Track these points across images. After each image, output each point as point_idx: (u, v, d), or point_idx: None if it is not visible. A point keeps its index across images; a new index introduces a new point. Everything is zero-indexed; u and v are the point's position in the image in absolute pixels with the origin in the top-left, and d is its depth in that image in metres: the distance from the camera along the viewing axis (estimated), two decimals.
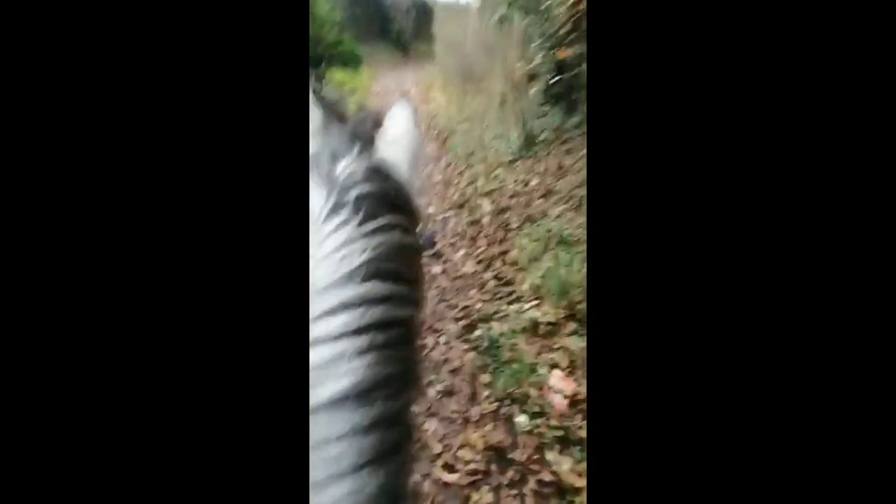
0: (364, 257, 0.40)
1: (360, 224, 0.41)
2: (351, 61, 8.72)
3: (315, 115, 0.51)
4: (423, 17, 12.49)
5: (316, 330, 0.38)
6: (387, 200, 0.44)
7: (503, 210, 4.02)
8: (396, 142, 0.52)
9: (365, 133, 0.51)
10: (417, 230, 0.49)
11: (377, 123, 0.53)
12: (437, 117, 6.78)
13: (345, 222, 0.40)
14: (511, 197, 4.24)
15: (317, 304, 0.38)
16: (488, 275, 3.10)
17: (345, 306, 0.38)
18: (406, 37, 13.20)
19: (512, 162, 5.05)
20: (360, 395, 0.37)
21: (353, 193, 0.42)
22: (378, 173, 0.45)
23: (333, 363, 0.37)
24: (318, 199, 0.42)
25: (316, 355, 0.37)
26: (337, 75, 7.54)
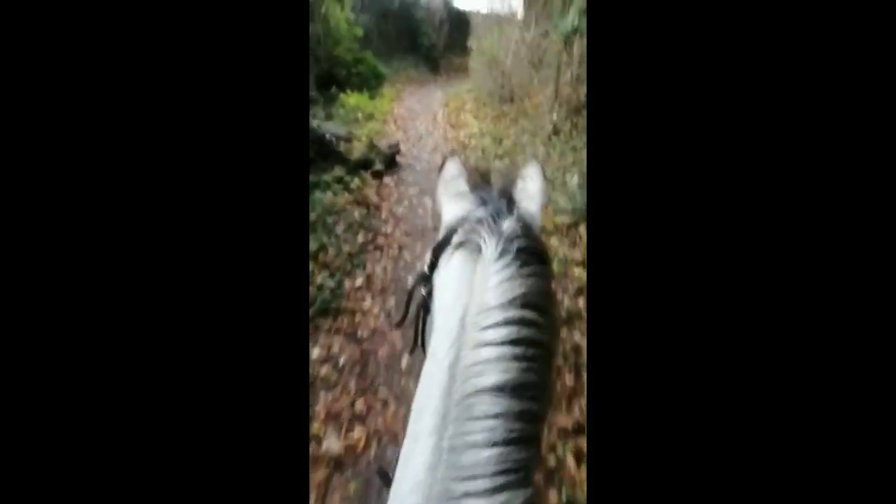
0: (521, 290, 0.55)
1: (520, 267, 0.57)
2: (372, 81, 7.83)
3: (460, 183, 0.77)
4: (458, 28, 11.30)
5: (485, 335, 0.53)
6: (535, 252, 0.61)
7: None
8: (532, 198, 0.73)
9: (508, 191, 0.73)
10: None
11: (513, 181, 0.76)
12: (468, 150, 5.35)
13: (508, 265, 0.57)
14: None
15: (488, 318, 0.54)
16: None
17: (507, 322, 0.53)
18: (437, 52, 11.99)
19: (572, 227, 3.36)
20: (513, 388, 0.50)
21: (515, 245, 0.59)
22: (529, 231, 0.63)
23: (496, 361, 0.51)
24: (490, 247, 0.59)
25: (484, 353, 0.52)
26: (351, 99, 6.57)
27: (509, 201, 0.69)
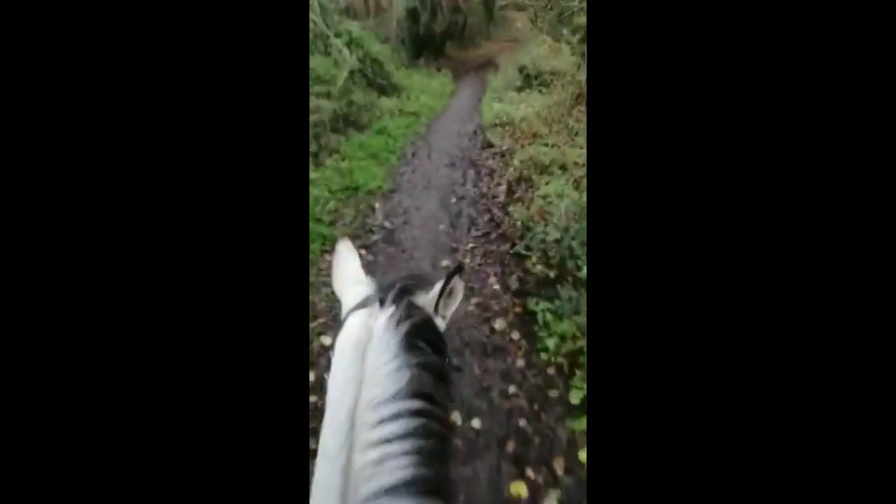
0: (409, 381, 0.56)
1: (407, 354, 0.58)
2: (364, 118, 6.96)
3: (355, 266, 0.77)
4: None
5: (374, 434, 0.53)
6: (425, 336, 0.62)
7: None
8: (444, 300, 0.73)
9: (411, 283, 0.71)
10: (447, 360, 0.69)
11: (428, 284, 0.74)
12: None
13: (396, 355, 0.58)
14: None
15: (376, 413, 0.54)
16: None
17: (395, 416, 0.54)
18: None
19: None
20: (408, 485, 0.50)
21: (403, 330, 0.60)
22: (420, 312, 0.65)
23: (388, 460, 0.52)
24: (377, 335, 0.60)
25: (375, 454, 0.52)
26: (348, 147, 5.84)
27: (406, 286, 0.68)
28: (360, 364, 0.59)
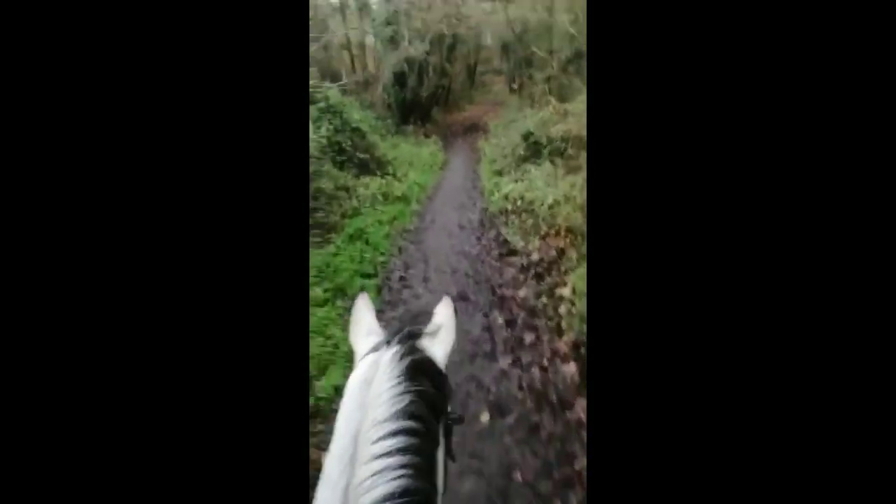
0: (408, 403, 0.61)
1: (409, 382, 0.63)
2: (336, 214, 5.19)
3: (370, 319, 0.85)
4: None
5: (374, 449, 0.57)
6: (425, 369, 0.68)
7: None
8: (439, 327, 0.80)
9: (417, 323, 0.79)
10: (449, 410, 0.77)
11: (425, 318, 0.82)
12: None
13: (399, 382, 0.63)
14: None
15: (378, 431, 0.58)
16: None
17: (393, 433, 0.58)
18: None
19: None
20: (399, 495, 0.54)
21: (406, 363, 0.66)
22: (422, 352, 0.71)
23: (384, 472, 0.55)
24: (382, 367, 0.66)
25: (374, 466, 0.56)
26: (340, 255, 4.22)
27: (413, 330, 0.75)
28: (366, 393, 0.64)
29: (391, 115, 12.37)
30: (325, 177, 5.34)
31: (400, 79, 12.41)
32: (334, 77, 10.72)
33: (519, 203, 5.73)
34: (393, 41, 12.70)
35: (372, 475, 0.54)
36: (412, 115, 12.83)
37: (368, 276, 3.97)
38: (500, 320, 3.30)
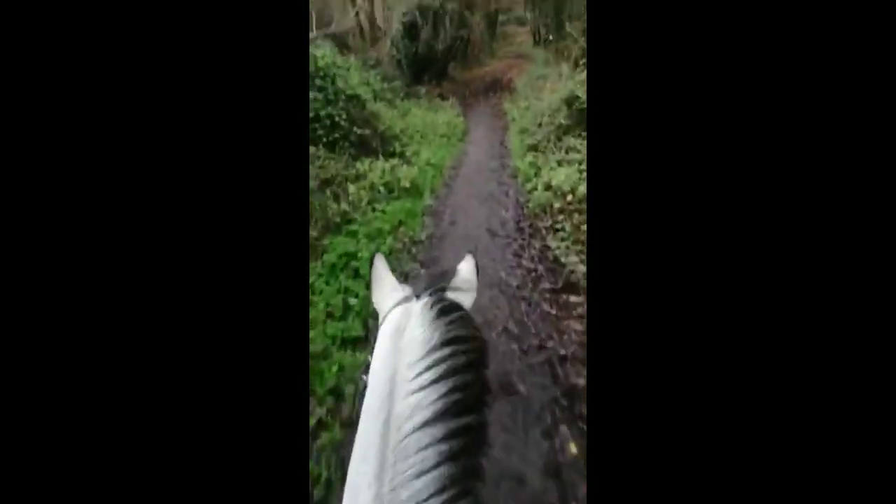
0: (442, 334, 0.60)
1: (439, 318, 0.62)
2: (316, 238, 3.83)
3: (390, 278, 0.83)
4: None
5: (413, 384, 0.56)
6: (456, 307, 0.65)
7: None
8: (465, 281, 0.80)
9: (441, 278, 0.77)
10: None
11: (448, 273, 0.80)
12: None
13: (430, 322, 0.62)
14: None
15: (414, 369, 0.58)
16: None
17: (430, 366, 0.57)
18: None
19: None
20: (441, 415, 0.53)
21: (437, 307, 0.64)
22: (451, 299, 0.69)
23: (424, 403, 0.54)
24: (415, 313, 0.66)
25: (413, 400, 0.55)
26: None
27: (437, 282, 0.74)
28: (400, 339, 0.64)
29: (401, 74, 10.60)
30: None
31: (411, 30, 10.57)
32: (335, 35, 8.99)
33: (570, 197, 4.19)
34: None
35: (413, 406, 0.54)
36: (426, 73, 11.04)
37: (353, 342, 2.49)
38: (574, 449, 1.88)
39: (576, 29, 10.23)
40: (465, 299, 0.75)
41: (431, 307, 0.64)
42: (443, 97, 10.34)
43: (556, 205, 4.15)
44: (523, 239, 3.82)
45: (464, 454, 0.52)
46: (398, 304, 0.71)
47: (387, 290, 0.80)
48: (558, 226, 3.86)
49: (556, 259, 3.40)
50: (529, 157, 5.83)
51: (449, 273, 0.80)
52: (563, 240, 3.62)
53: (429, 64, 11.09)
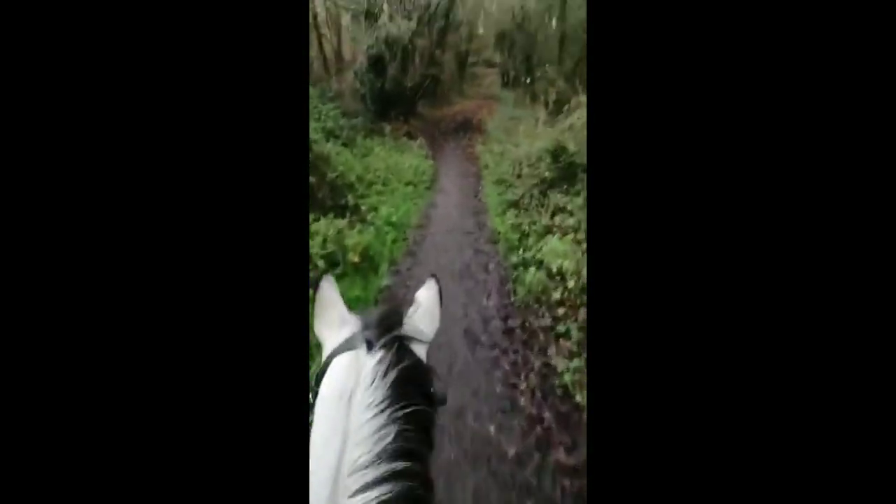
0: (394, 440, 0.52)
1: (393, 408, 0.54)
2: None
3: (339, 305, 0.72)
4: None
5: (356, 501, 0.49)
6: (413, 381, 0.59)
7: None
8: (425, 314, 0.72)
9: (396, 311, 0.68)
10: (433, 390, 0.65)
11: (408, 303, 0.74)
12: None
13: (382, 409, 0.54)
14: None
15: (359, 480, 0.50)
16: None
17: (378, 481, 0.50)
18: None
19: None
20: None
21: (391, 378, 0.56)
22: (410, 356, 0.61)
23: None
24: (363, 386, 0.56)
25: None
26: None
27: (393, 322, 0.65)
28: (346, 415, 0.56)
29: (364, 109, 9.63)
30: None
31: (377, 64, 9.70)
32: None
33: (571, 283, 3.17)
34: (371, 16, 9.99)
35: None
36: (392, 110, 10.11)
37: None
38: None
39: (551, 72, 9.73)
40: (421, 348, 0.67)
41: (386, 373, 0.57)
42: (410, 136, 9.41)
43: (555, 295, 3.13)
44: (515, 351, 2.71)
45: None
46: (346, 347, 0.63)
47: (334, 321, 0.69)
48: (561, 328, 2.82)
49: (566, 391, 2.33)
50: (510, 217, 4.85)
51: (405, 305, 0.73)
52: (571, 354, 2.56)
53: (396, 100, 10.20)
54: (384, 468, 0.51)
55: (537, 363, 2.57)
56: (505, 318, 3.05)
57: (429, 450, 0.58)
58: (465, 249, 4.27)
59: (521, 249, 3.95)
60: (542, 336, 2.81)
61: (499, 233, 4.58)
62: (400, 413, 0.54)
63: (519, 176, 6.30)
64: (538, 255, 3.67)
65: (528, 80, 12.10)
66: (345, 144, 6.82)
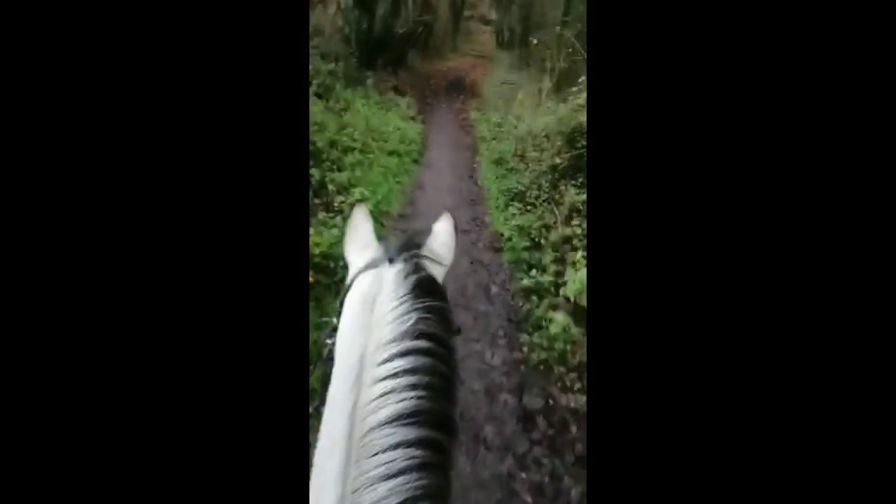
0: (415, 322, 0.56)
1: (415, 301, 0.57)
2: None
3: (366, 232, 0.78)
4: None
5: (380, 371, 0.53)
6: (432, 287, 0.62)
7: None
8: (442, 244, 0.78)
9: (416, 239, 0.74)
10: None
11: (427, 232, 0.79)
12: None
13: (403, 301, 0.58)
14: None
15: (383, 353, 0.54)
16: None
17: (400, 354, 0.53)
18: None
19: None
20: (409, 416, 0.49)
21: (411, 281, 0.60)
22: (427, 269, 0.65)
23: (391, 394, 0.51)
24: (386, 286, 0.60)
25: (379, 388, 0.51)
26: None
27: (412, 245, 0.70)
28: (370, 314, 0.60)
29: (348, 53, 8.22)
30: None
31: (365, 4, 8.23)
32: None
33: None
34: None
35: (378, 396, 0.51)
36: (380, 56, 8.73)
37: None
38: None
39: (552, 35, 8.53)
40: (439, 270, 0.71)
41: (406, 277, 0.61)
42: (398, 90, 8.14)
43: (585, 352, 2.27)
44: (546, 456, 1.86)
45: (434, 469, 0.49)
46: (369, 265, 0.67)
47: (360, 244, 0.76)
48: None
49: None
50: (515, 215, 3.93)
51: (424, 234, 0.78)
52: None
53: (384, 46, 8.80)
54: (407, 343, 0.54)
55: (575, 490, 1.72)
56: (520, 388, 2.16)
57: (449, 335, 0.60)
58: (460, 259, 3.32)
59: (534, 269, 3.05)
60: (573, 427, 1.95)
61: (501, 235, 3.65)
62: (419, 304, 0.57)
63: (522, 157, 5.33)
64: (560, 282, 2.78)
65: (520, 44, 10.90)
66: (318, 95, 5.58)
